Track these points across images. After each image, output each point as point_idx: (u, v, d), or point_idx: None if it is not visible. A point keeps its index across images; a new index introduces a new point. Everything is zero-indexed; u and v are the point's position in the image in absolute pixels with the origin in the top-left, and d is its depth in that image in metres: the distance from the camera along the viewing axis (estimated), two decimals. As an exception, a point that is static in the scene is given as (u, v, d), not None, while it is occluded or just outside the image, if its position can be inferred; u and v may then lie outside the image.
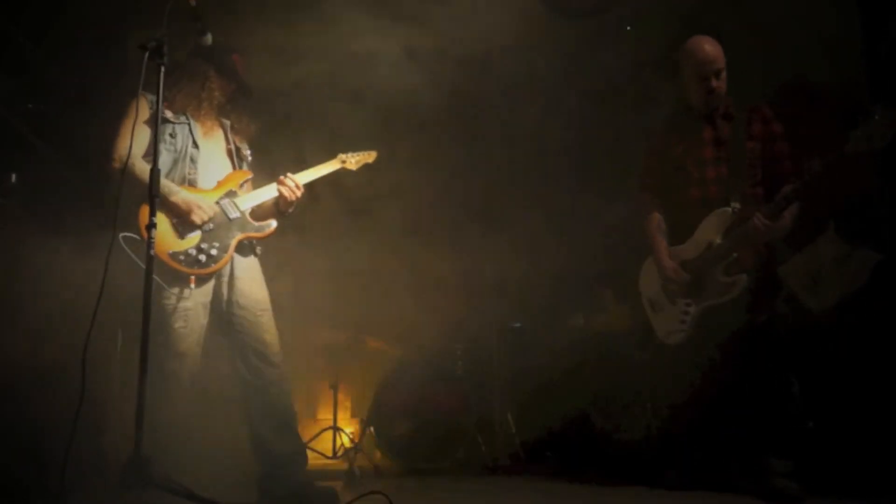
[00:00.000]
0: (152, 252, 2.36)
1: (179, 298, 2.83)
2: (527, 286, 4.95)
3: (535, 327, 4.95)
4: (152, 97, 3.04)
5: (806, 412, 3.16)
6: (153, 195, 2.40)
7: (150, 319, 2.27)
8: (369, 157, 3.43)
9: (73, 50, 3.81)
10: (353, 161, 3.37)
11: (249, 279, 3.06)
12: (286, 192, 3.10)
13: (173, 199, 2.87)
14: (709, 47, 3.18)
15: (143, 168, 2.82)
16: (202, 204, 2.90)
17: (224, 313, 3.00)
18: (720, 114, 3.26)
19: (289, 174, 3.13)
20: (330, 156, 3.34)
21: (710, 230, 3.16)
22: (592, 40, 4.44)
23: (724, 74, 3.19)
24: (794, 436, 3.03)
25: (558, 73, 4.58)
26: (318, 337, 4.61)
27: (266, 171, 3.23)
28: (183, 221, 2.88)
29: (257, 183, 3.19)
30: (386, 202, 4.76)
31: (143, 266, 2.47)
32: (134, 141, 2.76)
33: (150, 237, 2.37)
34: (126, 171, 2.69)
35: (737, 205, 3.09)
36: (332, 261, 4.09)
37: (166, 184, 2.88)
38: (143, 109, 2.96)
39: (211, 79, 3.12)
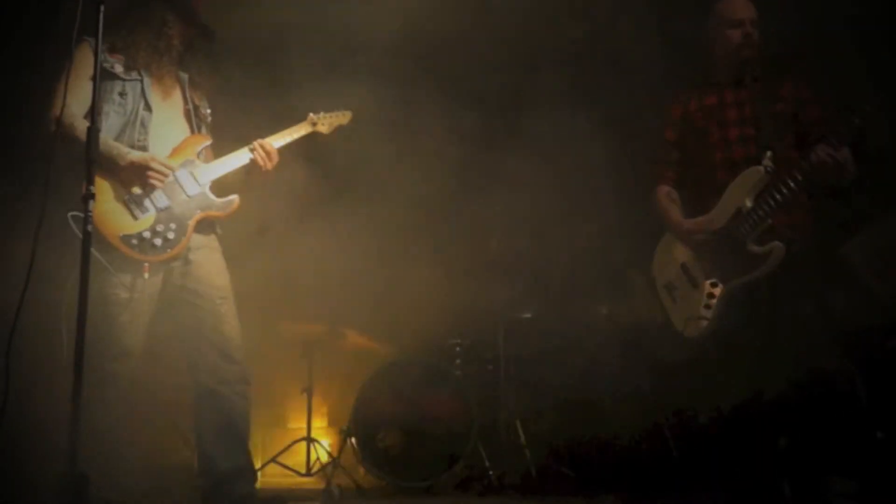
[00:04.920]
0: (89, 227, 2.37)
1: (126, 288, 2.85)
2: (539, 268, 4.96)
3: (549, 318, 4.97)
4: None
5: (874, 420, 3.18)
6: (90, 160, 2.40)
7: (86, 312, 2.28)
8: (343, 117, 3.47)
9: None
10: (325, 123, 3.40)
11: (207, 262, 3.09)
12: (260, 161, 3.12)
13: (123, 163, 2.87)
14: (740, 2, 3.45)
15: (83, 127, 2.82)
16: (155, 164, 2.91)
17: (177, 302, 3.02)
18: (749, 76, 3.38)
19: (258, 141, 3.14)
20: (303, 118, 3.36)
21: (738, 193, 3.20)
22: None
23: (757, 32, 3.37)
24: (860, 449, 3.05)
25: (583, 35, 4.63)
26: (289, 331, 4.62)
27: (230, 135, 3.24)
28: (136, 197, 2.90)
29: (220, 149, 3.19)
30: (370, 170, 4.74)
31: (100, 255, 2.59)
32: (74, 98, 2.78)
33: (86, 211, 2.38)
34: (65, 134, 2.71)
35: (770, 163, 3.13)
36: (306, 240, 4.09)
37: (115, 146, 2.89)
38: (87, 59, 2.93)
39: (169, 24, 3.10)
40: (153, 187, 2.91)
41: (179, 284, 3.03)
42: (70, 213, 2.60)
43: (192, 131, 3.16)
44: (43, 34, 3.63)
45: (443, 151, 4.71)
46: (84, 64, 2.92)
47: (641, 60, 4.51)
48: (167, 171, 2.94)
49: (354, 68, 3.51)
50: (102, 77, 2.97)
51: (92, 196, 2.39)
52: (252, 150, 3.13)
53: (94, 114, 2.46)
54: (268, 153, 3.14)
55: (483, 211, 4.75)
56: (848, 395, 3.10)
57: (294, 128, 3.32)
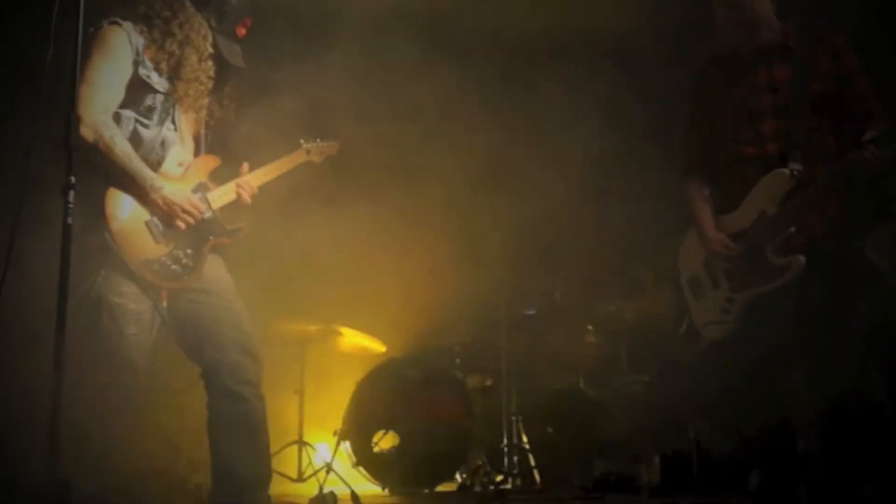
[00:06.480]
0: (69, 220, 2.36)
1: (133, 299, 2.82)
2: (544, 263, 4.96)
3: (555, 315, 4.97)
4: (137, 37, 2.90)
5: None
6: (70, 148, 2.38)
7: (65, 315, 2.26)
8: (331, 148, 3.51)
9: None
10: (316, 152, 3.44)
11: (213, 262, 3.08)
12: (244, 196, 3.14)
13: (155, 196, 2.85)
14: None
15: (122, 146, 2.78)
16: (188, 206, 2.91)
17: (190, 305, 2.99)
18: (776, 47, 3.27)
19: (240, 179, 3.14)
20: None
21: (762, 196, 3.18)
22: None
23: (754, 6, 3.22)
24: (883, 453, 3.05)
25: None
26: (280, 328, 4.61)
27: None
28: (157, 220, 2.88)
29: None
30: (367, 165, 4.73)
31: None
32: (104, 100, 2.74)
33: (66, 201, 2.36)
34: (101, 149, 2.70)
35: (797, 165, 3.11)
36: (300, 235, 4.08)
37: (150, 176, 2.85)
38: (120, 49, 2.85)
39: (210, 51, 3.03)
40: (179, 228, 2.91)
41: (193, 288, 3.01)
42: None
43: (198, 149, 3.16)
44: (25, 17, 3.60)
45: (443, 148, 4.71)
46: (115, 55, 2.83)
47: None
48: (199, 215, 2.94)
49: (334, 44, 3.48)
50: (138, 85, 2.90)
51: (72, 187, 2.39)
52: (238, 187, 3.13)
53: (74, 100, 2.44)
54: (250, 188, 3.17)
55: (485, 207, 4.74)
56: (870, 398, 3.09)
57: (287, 158, 3.33)
